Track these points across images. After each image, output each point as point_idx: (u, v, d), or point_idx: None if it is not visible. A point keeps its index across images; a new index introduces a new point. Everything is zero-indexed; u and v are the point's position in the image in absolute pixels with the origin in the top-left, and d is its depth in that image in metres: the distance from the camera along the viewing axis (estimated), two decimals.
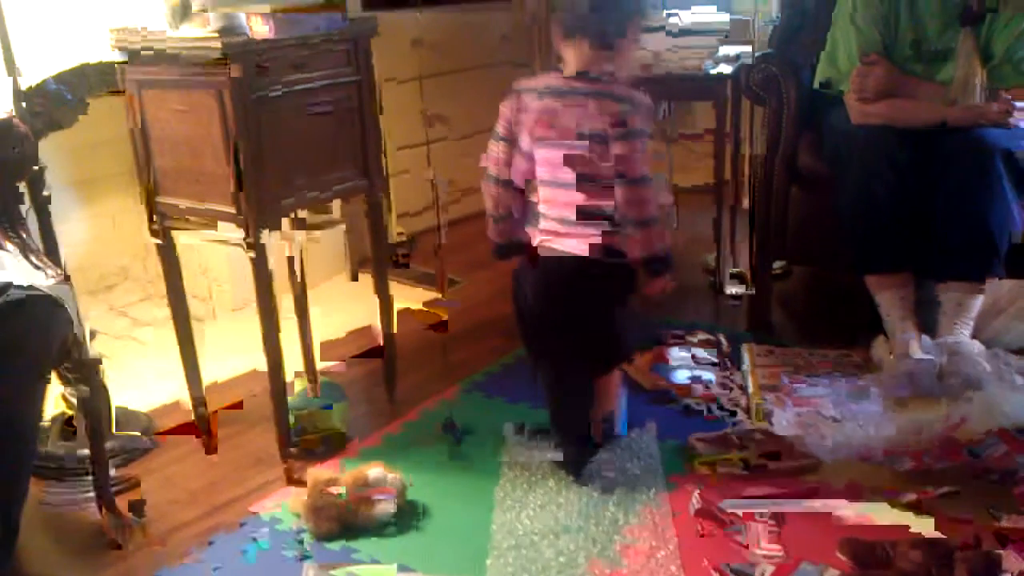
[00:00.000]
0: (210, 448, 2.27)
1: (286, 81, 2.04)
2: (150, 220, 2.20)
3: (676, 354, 2.58)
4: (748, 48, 3.25)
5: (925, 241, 2.39)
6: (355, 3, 3.44)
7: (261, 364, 2.14)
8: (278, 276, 2.17)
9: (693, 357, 2.55)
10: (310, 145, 2.12)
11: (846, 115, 2.54)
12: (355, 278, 3.37)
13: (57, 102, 2.26)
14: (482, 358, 2.66)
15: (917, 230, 2.39)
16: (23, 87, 2.09)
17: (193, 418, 2.35)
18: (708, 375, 2.49)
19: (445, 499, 2.01)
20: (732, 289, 3.18)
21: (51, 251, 1.98)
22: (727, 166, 3.22)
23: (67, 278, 1.81)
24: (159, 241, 2.22)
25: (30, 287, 1.62)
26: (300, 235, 2.35)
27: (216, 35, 1.96)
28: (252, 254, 2.04)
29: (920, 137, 2.40)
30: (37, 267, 1.82)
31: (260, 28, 2.00)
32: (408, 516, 1.94)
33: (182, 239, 2.24)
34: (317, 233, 2.36)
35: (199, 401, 2.36)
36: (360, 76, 2.20)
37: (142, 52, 2.07)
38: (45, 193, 1.97)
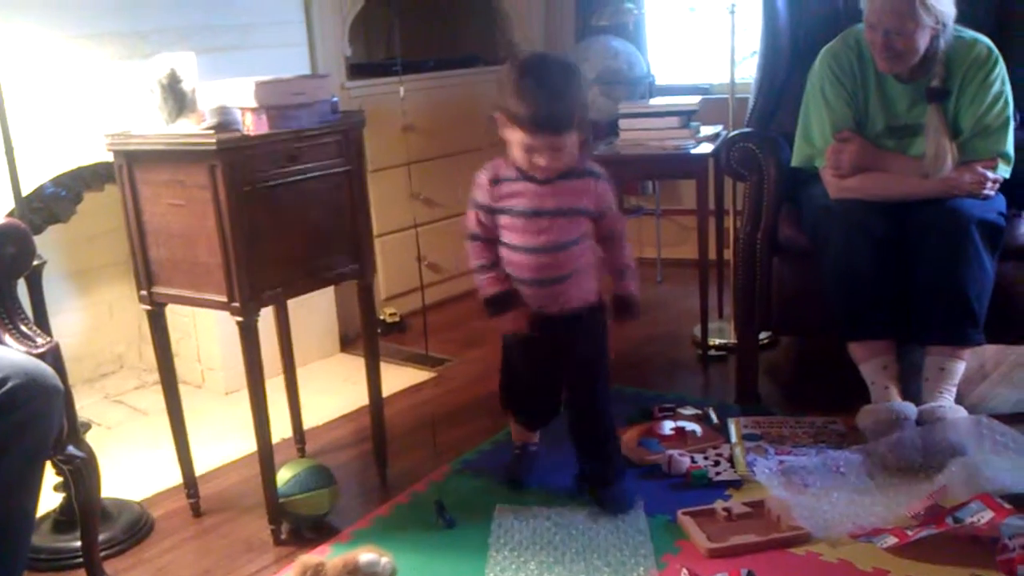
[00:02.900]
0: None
1: (279, 173, 2.11)
2: (140, 285, 2.25)
3: (665, 428, 2.60)
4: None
5: (906, 309, 2.44)
6: (340, 75, 3.55)
7: (253, 446, 2.18)
8: (268, 356, 2.21)
9: (681, 431, 2.58)
10: (302, 233, 2.19)
11: (824, 190, 2.61)
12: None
13: (54, 199, 2.34)
14: (473, 437, 2.69)
15: (898, 299, 2.45)
16: (23, 193, 2.16)
17: (187, 505, 2.38)
18: (692, 426, 2.59)
19: None
20: (715, 340, 3.25)
21: (40, 320, 2.02)
22: (712, 241, 3.30)
23: (56, 346, 1.85)
24: (149, 307, 2.26)
25: (30, 379, 1.64)
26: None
27: (211, 131, 2.04)
28: (244, 338, 2.08)
29: (897, 209, 2.48)
30: (25, 335, 1.86)
31: (253, 123, 2.08)
32: None
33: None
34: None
35: (192, 488, 2.39)
36: (351, 165, 2.28)
37: (138, 153, 2.14)
38: (35, 263, 2.00)
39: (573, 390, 2.27)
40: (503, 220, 2.13)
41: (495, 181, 2.13)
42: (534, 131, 1.99)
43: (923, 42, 2.43)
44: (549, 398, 2.31)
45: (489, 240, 2.16)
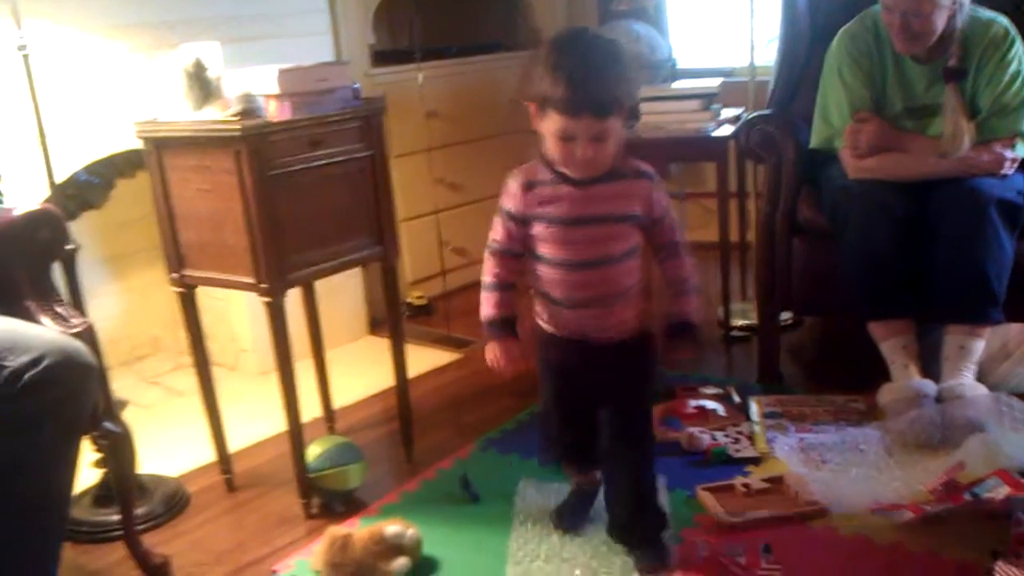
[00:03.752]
0: None
1: (303, 158, 2.17)
2: (171, 268, 2.33)
3: (687, 407, 2.64)
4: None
5: (925, 288, 2.46)
6: (364, 62, 3.61)
7: (285, 424, 2.25)
8: (300, 339, 2.26)
9: (703, 409, 2.62)
10: (326, 216, 2.24)
11: (843, 170, 2.63)
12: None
13: (87, 187, 2.41)
14: (497, 416, 2.73)
15: (917, 278, 2.46)
16: (57, 180, 2.23)
17: (222, 480, 2.47)
18: (714, 404, 2.62)
19: (460, 553, 2.07)
20: (739, 322, 3.28)
21: (76, 302, 2.10)
22: (734, 223, 3.33)
23: (91, 326, 1.92)
24: (180, 289, 2.33)
25: (66, 356, 1.69)
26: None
27: (236, 118, 2.09)
28: (272, 318, 2.15)
29: (915, 189, 2.49)
30: (61, 316, 1.93)
31: (277, 110, 2.13)
32: (424, 571, 2.01)
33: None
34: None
35: (226, 464, 2.47)
36: (373, 150, 2.33)
37: (166, 139, 2.21)
38: (68, 247, 2.06)
39: (613, 436, 1.92)
40: (538, 230, 1.83)
41: (529, 185, 1.83)
42: (572, 113, 1.69)
43: (940, 22, 2.44)
44: (590, 437, 1.96)
45: (514, 256, 1.88)
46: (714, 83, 3.37)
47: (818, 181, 2.76)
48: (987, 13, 2.52)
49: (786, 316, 3.20)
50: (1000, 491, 2.01)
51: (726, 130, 3.20)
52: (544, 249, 1.84)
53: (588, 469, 2.08)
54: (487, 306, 1.90)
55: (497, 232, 1.89)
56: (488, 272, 1.90)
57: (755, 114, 2.89)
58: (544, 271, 1.85)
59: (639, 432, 1.94)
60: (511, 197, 1.85)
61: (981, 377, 2.46)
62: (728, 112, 3.37)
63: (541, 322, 1.93)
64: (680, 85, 3.52)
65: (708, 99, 3.27)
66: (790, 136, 2.75)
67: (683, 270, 1.89)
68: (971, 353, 2.43)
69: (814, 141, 2.73)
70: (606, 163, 1.77)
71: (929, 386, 2.40)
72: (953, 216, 2.41)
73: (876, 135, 2.55)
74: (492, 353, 1.90)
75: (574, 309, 1.86)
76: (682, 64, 4.11)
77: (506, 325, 1.89)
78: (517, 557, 2.02)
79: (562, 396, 1.99)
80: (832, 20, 2.88)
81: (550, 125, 1.73)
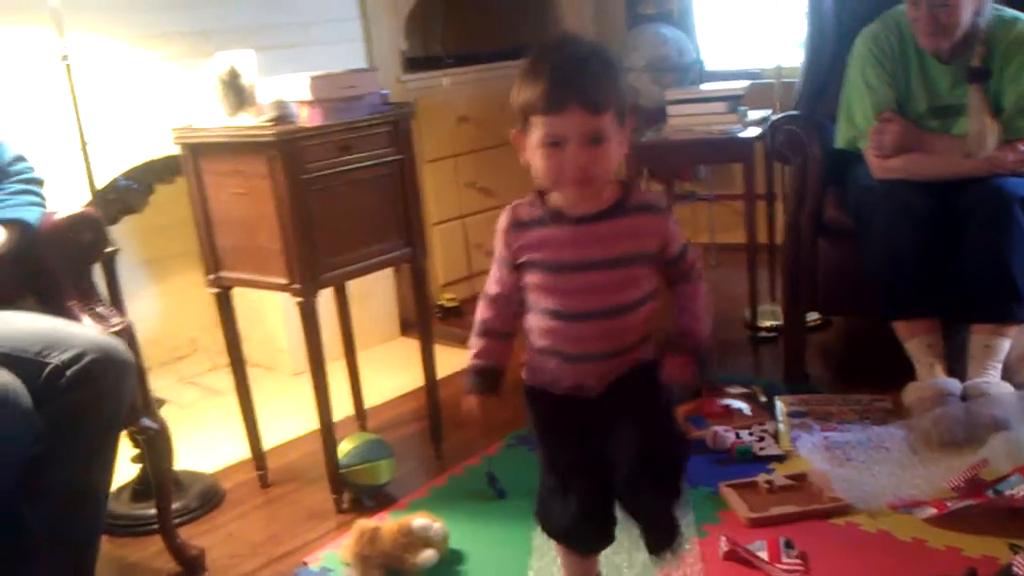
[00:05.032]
0: None
1: (333, 162, 2.23)
2: (208, 270, 2.40)
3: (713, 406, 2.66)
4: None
5: (949, 287, 2.46)
6: (396, 68, 3.68)
7: (317, 423, 2.31)
8: (334, 340, 2.31)
9: (728, 409, 2.64)
10: (357, 219, 2.30)
11: (868, 170, 2.65)
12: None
13: (127, 192, 2.49)
14: (524, 415, 2.75)
15: (941, 277, 2.47)
16: (98, 186, 2.31)
17: (256, 476, 2.53)
18: (740, 404, 2.64)
19: (486, 547, 2.12)
20: (766, 323, 3.30)
21: (116, 303, 2.17)
22: (763, 224, 3.34)
23: (130, 325, 2.00)
24: (216, 290, 2.40)
25: (104, 353, 1.76)
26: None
27: (269, 124, 2.16)
28: (304, 318, 2.21)
29: (939, 189, 2.50)
30: (101, 316, 2.00)
31: (309, 116, 2.20)
32: (451, 563, 2.07)
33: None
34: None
35: (260, 461, 2.54)
36: (401, 154, 2.38)
37: (202, 145, 2.28)
38: (108, 249, 2.13)
39: (633, 494, 1.62)
40: (529, 279, 1.56)
41: (517, 226, 1.56)
42: (557, 108, 1.40)
43: (966, 15, 2.44)
44: (605, 507, 1.66)
45: (508, 302, 1.61)
46: (741, 85, 3.40)
47: (844, 181, 2.77)
48: (1011, 12, 2.52)
49: (814, 317, 3.22)
50: (1023, 488, 2.02)
51: (753, 132, 3.22)
52: (539, 300, 1.56)
53: (597, 549, 1.78)
54: (471, 353, 1.66)
55: (491, 279, 1.63)
56: (478, 314, 1.65)
57: (781, 115, 2.91)
58: (545, 323, 1.57)
59: (668, 471, 1.61)
60: (499, 239, 1.59)
61: (1010, 376, 2.46)
62: (755, 114, 3.39)
63: (527, 375, 1.67)
64: (708, 87, 3.55)
65: (734, 101, 3.30)
66: (816, 136, 2.77)
67: (698, 297, 1.60)
68: (996, 352, 2.43)
69: (838, 142, 2.75)
70: (605, 176, 1.46)
71: (954, 384, 2.40)
72: (978, 215, 2.42)
73: (900, 135, 2.56)
74: (467, 404, 1.67)
75: (573, 363, 1.58)
76: (710, 67, 4.13)
77: (485, 377, 1.65)
78: (541, 551, 2.06)
79: (562, 460, 1.68)
80: (858, 20, 2.88)
81: (535, 137, 1.45)
